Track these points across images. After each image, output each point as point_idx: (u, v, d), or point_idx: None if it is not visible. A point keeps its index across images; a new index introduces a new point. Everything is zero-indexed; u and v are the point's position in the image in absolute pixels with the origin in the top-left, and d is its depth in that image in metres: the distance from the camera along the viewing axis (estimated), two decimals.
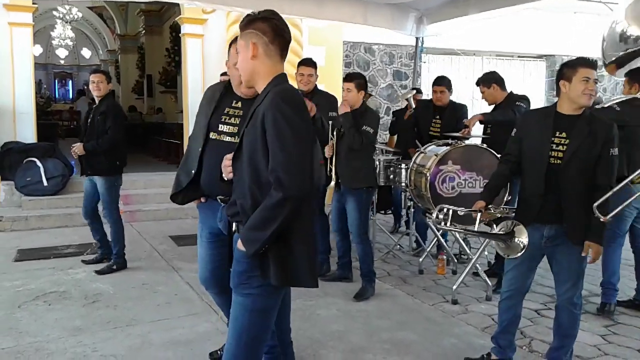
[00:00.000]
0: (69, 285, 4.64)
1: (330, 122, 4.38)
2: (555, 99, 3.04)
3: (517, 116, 4.56)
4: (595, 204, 2.74)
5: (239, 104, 2.70)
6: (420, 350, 3.48)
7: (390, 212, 7.20)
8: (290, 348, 2.95)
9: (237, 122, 2.65)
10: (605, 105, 4.08)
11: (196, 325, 3.80)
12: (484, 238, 4.53)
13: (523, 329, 3.73)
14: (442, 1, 6.31)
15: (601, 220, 2.74)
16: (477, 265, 4.66)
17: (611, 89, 12.01)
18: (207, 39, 8.78)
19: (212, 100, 2.75)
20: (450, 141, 4.84)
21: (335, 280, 4.78)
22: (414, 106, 5.86)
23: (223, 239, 2.66)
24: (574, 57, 3.01)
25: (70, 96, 25.82)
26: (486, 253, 5.21)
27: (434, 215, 3.62)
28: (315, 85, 4.82)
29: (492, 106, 5.05)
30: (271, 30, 2.08)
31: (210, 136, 2.66)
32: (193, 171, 2.69)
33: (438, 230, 5.17)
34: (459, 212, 3.29)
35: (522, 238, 2.89)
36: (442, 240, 5.23)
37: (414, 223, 5.82)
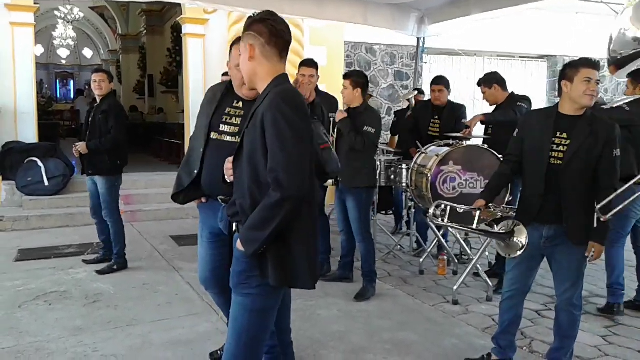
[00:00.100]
0: (69, 285, 4.64)
1: (331, 118, 4.39)
2: (557, 100, 3.04)
3: (519, 116, 4.56)
4: (598, 206, 2.74)
5: (240, 104, 2.70)
6: (420, 350, 3.48)
7: (391, 212, 7.20)
8: (290, 348, 2.94)
9: (238, 122, 2.65)
10: (614, 105, 4.07)
11: (197, 325, 3.80)
12: (482, 236, 4.53)
13: (524, 330, 3.73)
14: (444, 1, 6.30)
15: (601, 219, 2.75)
16: (478, 265, 4.65)
17: (612, 90, 12.00)
18: (209, 39, 8.79)
19: (213, 101, 2.75)
20: (451, 141, 4.84)
21: (336, 281, 4.78)
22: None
23: (224, 239, 2.66)
24: (576, 58, 3.00)
25: (72, 96, 25.83)
26: (487, 254, 5.20)
27: (431, 210, 3.62)
28: (316, 85, 4.81)
29: (494, 107, 5.04)
30: (267, 31, 2.08)
31: (212, 136, 2.66)
32: (195, 171, 2.69)
33: (439, 230, 5.17)
34: (458, 209, 3.30)
35: (521, 238, 2.89)
36: (443, 241, 5.22)
37: (415, 223, 5.82)
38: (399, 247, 6.00)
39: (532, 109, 4.46)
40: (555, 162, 2.89)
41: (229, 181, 2.26)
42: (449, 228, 5.04)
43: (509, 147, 3.20)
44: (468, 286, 4.74)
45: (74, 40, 22.27)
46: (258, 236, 1.96)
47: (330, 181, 4.50)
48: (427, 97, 6.95)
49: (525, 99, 4.87)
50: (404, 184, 5.18)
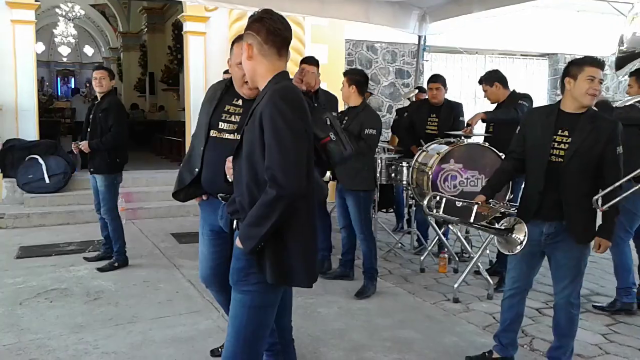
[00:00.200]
0: (70, 283, 4.65)
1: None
2: (558, 97, 3.04)
3: (520, 115, 4.56)
4: (596, 197, 2.76)
5: (240, 102, 2.70)
6: (421, 348, 3.48)
7: (392, 210, 7.20)
8: (291, 346, 2.94)
9: (237, 120, 2.65)
10: (627, 104, 4.07)
11: (197, 322, 3.80)
12: (481, 231, 4.53)
13: (524, 328, 3.72)
14: None
15: (598, 210, 2.76)
16: (479, 263, 4.65)
17: (614, 88, 11.99)
18: (210, 36, 8.77)
19: (213, 99, 2.75)
20: (452, 140, 4.84)
21: (337, 278, 4.78)
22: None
23: (224, 236, 2.66)
24: (578, 56, 3.00)
25: (72, 94, 25.82)
26: (488, 252, 5.20)
27: (425, 202, 3.63)
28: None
29: (495, 105, 5.04)
30: (264, 29, 2.08)
31: (211, 134, 2.67)
32: (196, 169, 2.70)
33: (440, 228, 5.17)
34: (457, 203, 3.30)
35: (520, 235, 2.89)
36: (444, 239, 5.23)
37: (415, 222, 5.82)
38: (399, 245, 6.00)
39: (534, 107, 4.46)
40: (556, 159, 2.89)
41: (230, 180, 2.26)
42: (450, 226, 5.07)
43: (511, 144, 3.20)
44: (469, 284, 4.74)
45: (75, 38, 22.28)
46: (256, 233, 1.97)
47: (328, 175, 4.49)
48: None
49: (527, 97, 4.87)
50: (405, 182, 5.18)
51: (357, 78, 4.39)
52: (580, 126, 2.87)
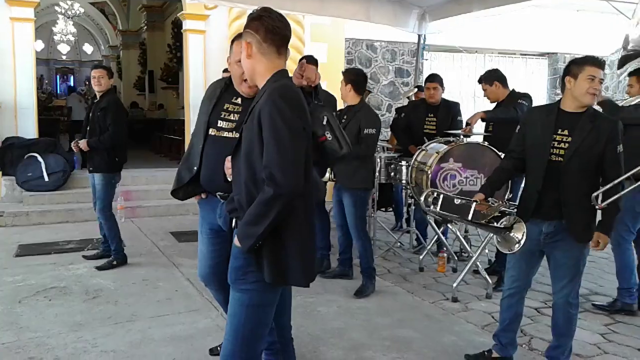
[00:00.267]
0: (69, 281, 4.65)
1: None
2: (557, 97, 3.05)
3: (519, 114, 4.56)
4: (595, 194, 2.76)
5: (239, 100, 2.70)
6: (420, 347, 3.48)
7: (391, 209, 7.20)
8: (290, 345, 2.94)
9: (236, 119, 2.65)
10: (632, 103, 4.08)
11: (196, 321, 3.80)
12: (479, 229, 4.54)
13: (523, 327, 3.72)
14: None
15: (597, 207, 2.76)
16: (478, 263, 4.65)
17: (613, 87, 11.98)
18: (209, 35, 8.77)
19: (212, 97, 2.75)
20: (451, 139, 4.84)
21: (336, 277, 4.78)
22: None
23: (223, 235, 2.66)
24: (577, 55, 3.00)
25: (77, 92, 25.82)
26: (487, 251, 5.20)
27: (422, 198, 3.63)
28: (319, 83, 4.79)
29: (494, 104, 5.04)
30: (263, 28, 2.08)
31: (210, 132, 2.66)
32: (195, 167, 2.70)
33: (439, 227, 5.17)
34: (455, 201, 3.31)
35: (518, 234, 2.89)
36: (443, 238, 5.23)
37: (414, 221, 5.82)
38: (398, 244, 6.00)
39: (534, 106, 4.46)
40: (556, 158, 2.89)
41: (230, 180, 2.26)
42: (449, 225, 5.07)
43: (511, 143, 3.20)
44: (468, 283, 4.74)
45: (74, 36, 22.30)
46: (253, 232, 1.97)
47: (327, 176, 4.50)
48: None
49: (526, 97, 4.87)
50: (404, 181, 5.18)
51: (352, 77, 4.38)
52: (581, 125, 2.87)
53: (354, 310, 4.10)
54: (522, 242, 2.88)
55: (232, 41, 2.63)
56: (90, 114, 5.00)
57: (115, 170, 5.01)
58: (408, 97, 6.47)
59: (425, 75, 9.51)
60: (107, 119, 4.86)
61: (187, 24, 8.82)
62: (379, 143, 4.96)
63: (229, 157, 2.22)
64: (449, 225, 5.15)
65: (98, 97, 5.02)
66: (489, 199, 3.20)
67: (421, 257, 5.27)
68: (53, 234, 6.33)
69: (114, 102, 5.02)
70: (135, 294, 4.38)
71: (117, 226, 5.13)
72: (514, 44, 11.24)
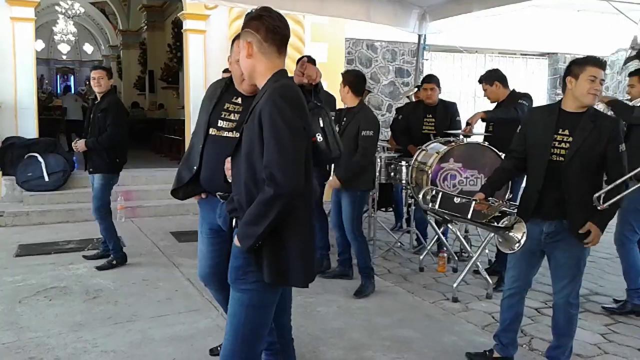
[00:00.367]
0: (69, 281, 4.65)
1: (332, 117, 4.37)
2: (557, 97, 3.05)
3: (520, 114, 4.56)
4: (596, 194, 2.76)
5: (239, 100, 2.70)
6: (420, 347, 3.48)
7: (391, 209, 7.19)
8: (291, 345, 2.94)
9: (237, 118, 2.65)
10: (639, 104, 4.08)
11: (196, 321, 3.80)
12: (479, 228, 4.54)
13: (523, 327, 3.72)
14: None
15: (598, 208, 2.76)
16: (478, 263, 4.65)
17: (613, 88, 11.99)
18: (209, 34, 8.77)
19: (213, 97, 2.75)
20: (451, 139, 4.83)
21: (336, 278, 4.78)
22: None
23: (223, 235, 2.66)
24: (578, 55, 3.00)
25: (72, 92, 25.82)
26: (487, 251, 5.20)
27: (421, 195, 3.63)
28: (319, 83, 4.79)
29: (495, 104, 5.04)
30: (263, 28, 2.08)
31: (210, 132, 2.66)
32: (195, 167, 2.69)
33: (439, 228, 5.17)
34: (455, 199, 3.31)
35: (518, 233, 2.90)
36: (443, 238, 5.23)
37: (414, 221, 5.82)
38: (399, 244, 6.00)
39: (535, 106, 4.46)
40: (557, 158, 2.88)
41: (229, 180, 2.26)
42: (449, 225, 5.07)
43: (512, 143, 3.21)
44: (468, 284, 4.74)
45: (75, 36, 22.30)
46: (253, 232, 1.97)
47: (331, 178, 4.51)
48: None
49: (527, 97, 4.87)
50: (404, 181, 5.18)
51: (350, 78, 4.37)
52: (582, 125, 2.86)
53: (354, 310, 4.10)
54: (523, 242, 2.88)
55: (233, 41, 2.63)
56: (91, 115, 5.00)
57: (115, 171, 5.01)
58: (408, 97, 6.46)
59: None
60: (107, 120, 4.85)
61: (187, 24, 8.82)
62: (379, 143, 4.95)
63: (229, 158, 2.22)
64: (449, 225, 5.14)
65: (98, 98, 5.02)
66: (489, 198, 3.21)
67: (421, 257, 5.27)
68: (53, 234, 6.33)
69: (115, 103, 5.01)
70: (136, 294, 4.38)
71: (113, 226, 5.12)
72: (515, 44, 11.24)
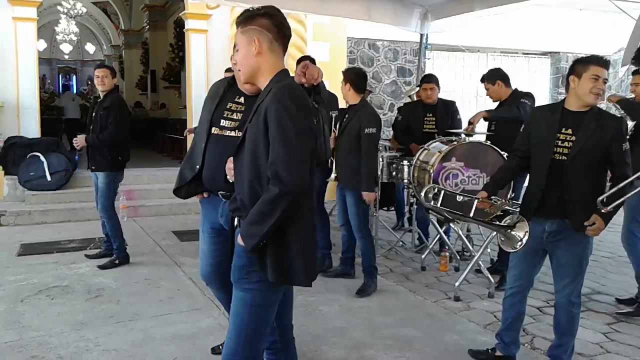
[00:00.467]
0: (71, 280, 4.65)
1: (332, 115, 4.38)
2: (560, 96, 3.05)
3: (522, 113, 4.55)
4: (600, 198, 2.75)
5: (242, 99, 2.70)
6: (422, 346, 3.48)
7: (393, 209, 7.19)
8: (292, 344, 2.94)
9: (239, 118, 2.65)
10: None
11: (198, 320, 3.80)
12: (479, 226, 4.53)
13: (525, 326, 3.72)
14: None
15: (602, 211, 2.75)
16: (480, 262, 4.65)
17: (615, 87, 11.96)
18: (211, 34, 8.78)
19: (215, 96, 2.75)
20: (453, 138, 4.83)
21: (337, 277, 4.78)
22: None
23: (225, 234, 2.66)
24: (580, 54, 3.00)
25: (75, 91, 25.89)
26: (489, 250, 5.20)
27: (423, 193, 3.63)
28: (321, 82, 4.79)
29: (497, 103, 5.04)
30: (275, 27, 2.08)
31: (213, 131, 2.66)
32: (197, 166, 2.70)
33: (441, 227, 5.17)
34: (457, 198, 3.31)
35: (520, 232, 2.90)
36: (445, 237, 5.22)
37: (416, 220, 5.81)
38: (400, 243, 6.00)
39: (538, 105, 4.46)
40: (560, 157, 2.88)
41: (230, 181, 2.26)
42: (451, 224, 5.06)
43: (515, 142, 3.21)
44: (470, 283, 4.74)
45: (77, 36, 22.35)
46: (257, 231, 1.96)
47: (333, 176, 4.51)
48: None
49: (529, 96, 4.86)
50: (406, 181, 5.17)
51: (351, 76, 4.38)
52: (585, 124, 2.86)
53: (356, 310, 4.10)
54: (525, 240, 2.88)
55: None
56: (94, 113, 5.01)
57: (118, 169, 5.02)
58: (410, 97, 6.46)
59: None
60: (110, 118, 4.87)
61: (189, 24, 8.83)
62: (380, 142, 4.95)
63: (232, 158, 2.21)
64: (451, 224, 5.14)
65: (101, 96, 5.03)
66: (492, 197, 3.21)
67: (423, 256, 5.27)
68: (55, 233, 6.34)
69: (117, 101, 5.03)
70: (138, 293, 4.38)
71: (119, 225, 5.13)
72: (517, 43, 11.21)
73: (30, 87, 7.90)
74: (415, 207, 5.73)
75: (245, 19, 2.11)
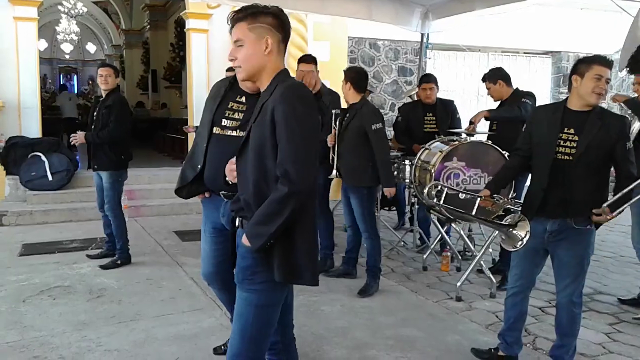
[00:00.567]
0: (73, 280, 4.65)
1: (334, 112, 4.38)
2: (561, 96, 3.04)
3: (523, 113, 4.55)
4: (605, 204, 2.75)
5: (243, 99, 2.70)
6: (423, 346, 3.48)
7: (394, 208, 7.19)
8: (293, 344, 2.94)
9: (241, 117, 2.65)
10: None
11: (200, 320, 3.80)
12: (481, 224, 4.53)
13: (527, 326, 3.71)
14: None
15: (608, 218, 2.75)
16: (482, 262, 4.64)
17: (617, 87, 11.95)
18: (212, 34, 8.78)
19: (217, 96, 2.75)
20: (455, 138, 4.83)
21: (339, 276, 4.78)
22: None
23: (226, 234, 2.66)
24: (581, 54, 3.00)
25: (75, 91, 25.90)
26: (490, 250, 5.19)
27: (426, 190, 3.62)
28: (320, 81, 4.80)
29: (498, 102, 5.03)
30: (283, 28, 2.09)
31: (214, 131, 2.66)
32: (199, 166, 2.70)
33: (442, 227, 5.16)
34: (460, 195, 3.31)
35: (521, 232, 2.90)
36: (447, 237, 5.22)
37: (417, 220, 5.81)
38: (402, 243, 6.00)
39: (540, 104, 4.45)
40: (563, 157, 2.87)
41: (230, 182, 2.25)
42: (453, 224, 5.06)
43: (517, 141, 3.21)
44: (471, 283, 4.74)
45: (77, 35, 22.33)
46: (265, 231, 1.96)
47: (334, 173, 4.50)
48: None
49: (530, 95, 4.86)
50: (407, 180, 5.17)
51: (352, 75, 4.38)
52: (589, 123, 2.85)
53: (358, 310, 4.10)
54: (526, 240, 2.88)
55: None
56: (96, 112, 5.01)
57: (121, 167, 5.02)
58: (410, 97, 6.45)
59: None
60: (111, 116, 4.88)
61: (190, 23, 8.82)
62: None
63: (233, 159, 2.20)
64: (452, 224, 5.14)
65: (104, 95, 5.04)
66: (494, 195, 3.21)
67: (425, 256, 5.27)
68: (57, 233, 6.34)
69: (119, 100, 5.04)
70: (139, 293, 4.38)
71: (125, 224, 5.14)
72: (518, 43, 11.20)
73: (31, 86, 7.91)
74: (416, 207, 5.73)
75: (253, 14, 2.08)
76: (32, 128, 7.89)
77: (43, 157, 7.46)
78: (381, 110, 9.87)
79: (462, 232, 5.24)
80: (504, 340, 3.21)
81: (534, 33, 10.91)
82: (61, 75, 27.21)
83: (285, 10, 2.18)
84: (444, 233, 5.17)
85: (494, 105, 5.12)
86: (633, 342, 3.64)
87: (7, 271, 4.86)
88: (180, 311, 3.98)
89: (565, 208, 2.88)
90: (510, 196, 4.43)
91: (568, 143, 2.87)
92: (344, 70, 4.49)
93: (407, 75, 10.55)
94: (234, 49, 2.10)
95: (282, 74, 2.10)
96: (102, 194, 5.10)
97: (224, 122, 2.67)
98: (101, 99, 5.08)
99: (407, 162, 5.17)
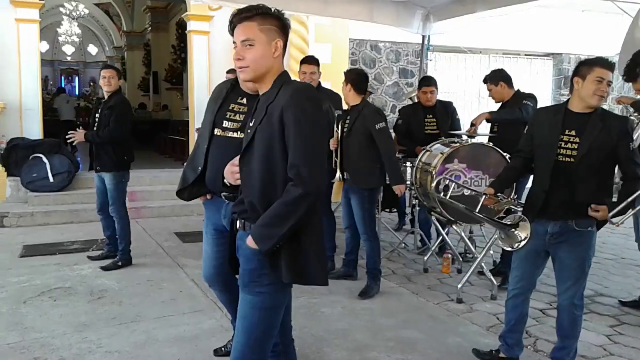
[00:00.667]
0: (74, 281, 4.66)
1: (336, 114, 4.39)
2: (562, 98, 3.05)
3: (524, 114, 4.55)
4: (611, 214, 2.74)
5: (244, 100, 2.70)
6: (424, 348, 3.48)
7: (395, 210, 7.19)
8: (291, 346, 2.93)
9: (242, 119, 2.65)
10: None
11: (201, 321, 3.80)
12: (482, 223, 4.53)
13: (528, 328, 3.70)
14: None
15: (615, 226, 2.75)
16: (483, 264, 4.64)
17: (618, 88, 11.94)
18: (213, 36, 8.79)
19: (218, 98, 2.76)
20: (456, 139, 4.83)
21: (340, 278, 4.77)
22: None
23: (227, 236, 2.66)
24: (582, 56, 3.00)
25: (77, 92, 25.93)
26: (491, 252, 5.19)
27: (433, 185, 3.62)
28: (319, 82, 4.80)
29: (499, 104, 5.03)
30: (286, 32, 2.11)
31: (215, 132, 2.67)
32: (200, 168, 2.70)
33: (443, 228, 5.16)
34: (464, 192, 3.32)
35: (522, 232, 2.90)
36: (447, 239, 5.21)
37: (418, 221, 5.81)
38: (403, 245, 5.99)
39: (541, 106, 4.45)
40: (564, 159, 2.87)
41: (229, 184, 2.25)
42: (454, 226, 5.05)
43: (519, 143, 3.22)
44: (472, 284, 4.73)
45: (79, 37, 22.37)
46: (274, 233, 1.95)
47: (337, 176, 4.51)
48: None
49: (531, 97, 4.86)
50: (408, 182, 5.17)
51: (352, 77, 4.39)
52: (591, 125, 2.85)
53: (358, 311, 4.10)
54: (525, 241, 2.88)
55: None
56: (98, 113, 5.02)
57: (124, 168, 5.03)
58: (411, 99, 6.46)
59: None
60: (112, 117, 4.88)
61: (191, 25, 8.83)
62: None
63: (233, 161, 2.19)
64: (453, 226, 5.14)
65: (106, 96, 5.05)
66: (498, 194, 3.21)
67: (425, 258, 5.26)
68: (58, 235, 6.34)
69: (121, 101, 5.05)
70: (140, 294, 4.39)
71: (129, 226, 5.14)
72: (519, 45, 11.20)
73: (32, 88, 7.92)
74: (417, 208, 5.73)
75: (262, 15, 2.05)
76: (34, 130, 7.91)
77: (44, 159, 7.47)
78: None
79: (462, 234, 5.23)
80: (505, 342, 3.21)
81: (535, 35, 10.92)
82: (62, 77, 27.25)
83: (287, 12, 2.19)
84: (444, 235, 5.17)
85: (495, 107, 5.12)
86: (634, 344, 3.63)
87: (8, 272, 4.86)
88: (181, 313, 3.98)
89: (567, 210, 2.88)
90: (511, 197, 4.42)
91: (569, 145, 2.87)
92: (345, 72, 4.49)
93: (408, 77, 10.55)
94: (241, 48, 2.05)
95: (283, 75, 2.11)
96: (101, 197, 5.11)
97: (225, 123, 2.67)
98: (103, 100, 5.10)
99: (408, 164, 5.17)
